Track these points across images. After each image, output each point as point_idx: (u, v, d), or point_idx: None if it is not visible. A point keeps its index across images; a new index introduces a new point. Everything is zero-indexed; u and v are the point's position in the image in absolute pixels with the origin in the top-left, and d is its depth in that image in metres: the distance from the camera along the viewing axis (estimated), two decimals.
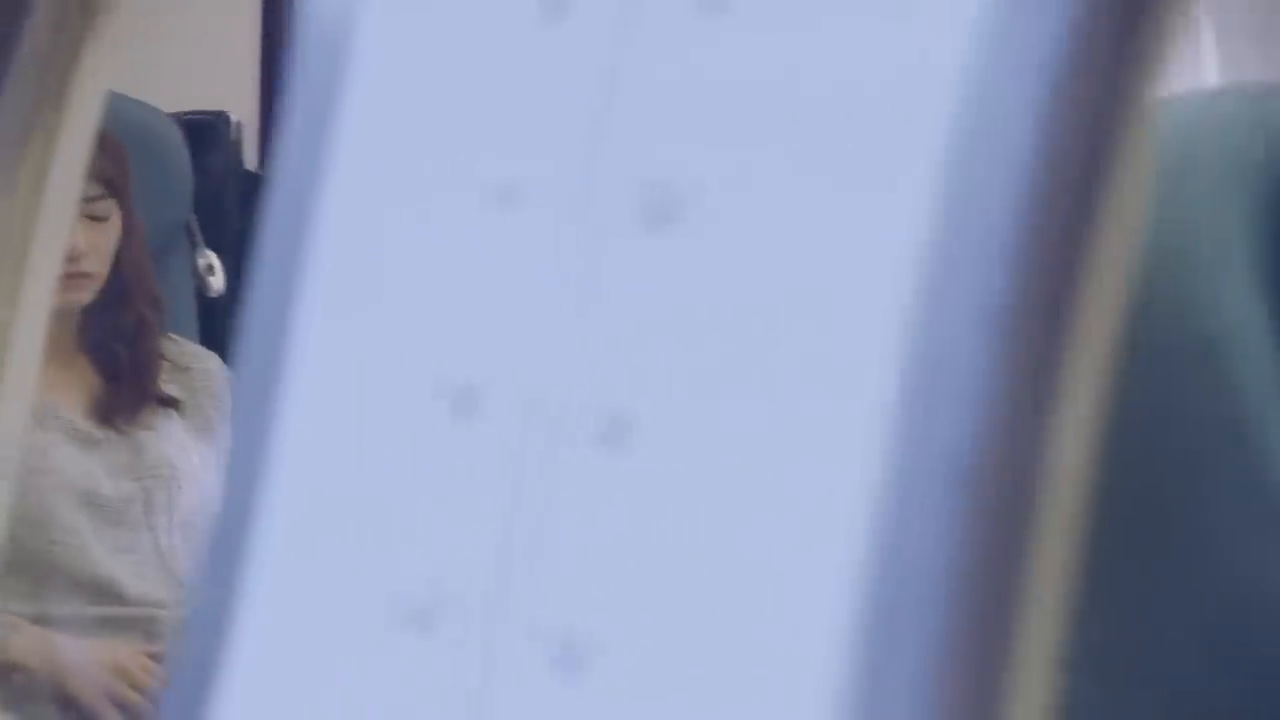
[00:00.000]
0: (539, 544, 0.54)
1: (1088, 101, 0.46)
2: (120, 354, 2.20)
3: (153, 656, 2.02)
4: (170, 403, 2.22)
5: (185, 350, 2.30)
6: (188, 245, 2.60)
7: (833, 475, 0.47)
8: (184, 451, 2.19)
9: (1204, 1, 3.52)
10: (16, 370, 0.74)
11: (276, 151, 0.66)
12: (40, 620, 2.06)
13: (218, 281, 2.57)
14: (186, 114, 2.78)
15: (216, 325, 2.52)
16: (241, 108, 3.03)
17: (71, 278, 2.10)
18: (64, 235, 0.77)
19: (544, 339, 0.56)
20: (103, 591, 2.09)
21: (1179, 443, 0.91)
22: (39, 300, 0.75)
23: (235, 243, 2.63)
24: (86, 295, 2.16)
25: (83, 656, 2.02)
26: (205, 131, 2.83)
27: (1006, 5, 0.47)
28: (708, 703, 0.50)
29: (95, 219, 2.15)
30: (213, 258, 2.58)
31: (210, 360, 2.29)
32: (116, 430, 2.18)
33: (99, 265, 2.17)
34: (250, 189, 2.80)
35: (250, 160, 2.98)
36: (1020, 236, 0.45)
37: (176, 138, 2.62)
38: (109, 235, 2.18)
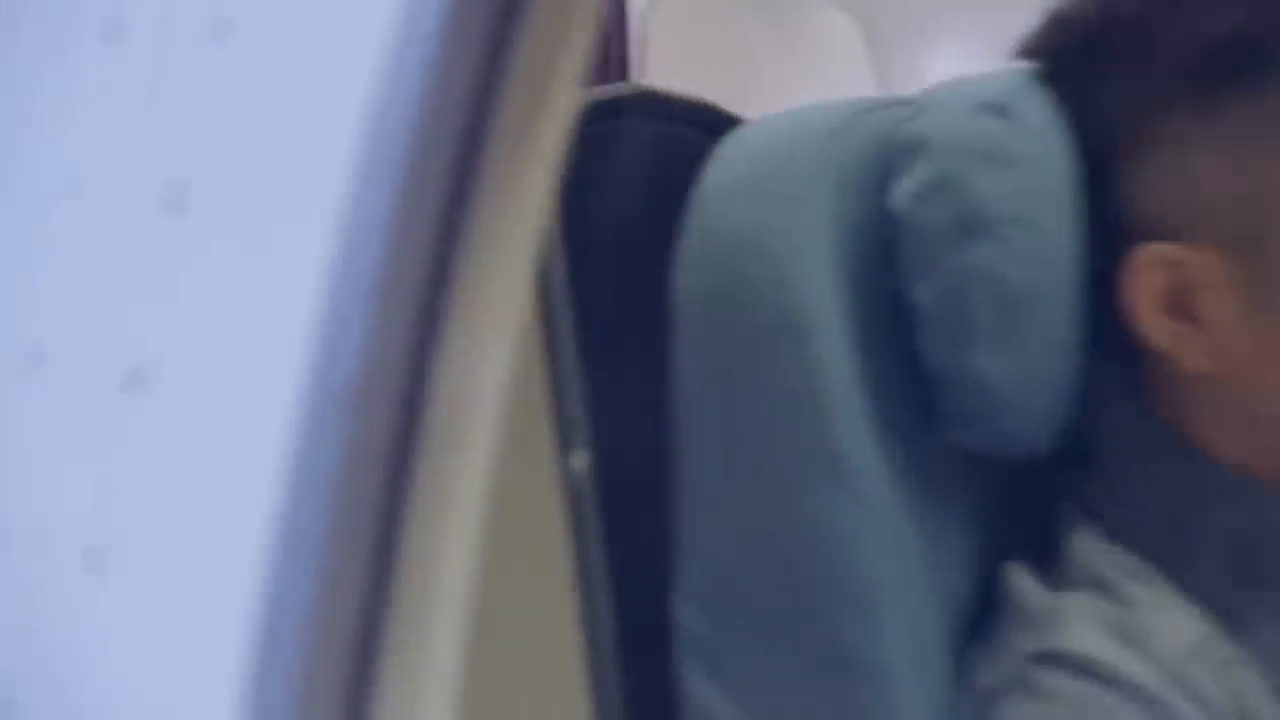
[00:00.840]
0: (76, 472, 0.67)
1: (460, 97, 0.59)
2: None
3: None
4: None
5: None
6: None
7: (266, 405, 0.61)
8: None
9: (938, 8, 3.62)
10: None
11: None
12: None
13: None
14: None
15: None
16: None
17: None
18: None
19: (92, 305, 0.69)
20: None
21: (763, 409, 1.04)
22: None
23: None
24: None
25: None
26: None
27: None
28: (196, 585, 0.63)
29: None
30: None
31: None
32: None
33: None
34: None
35: None
36: (397, 218, 0.59)
37: None
38: None
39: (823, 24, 3.74)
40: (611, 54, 3.61)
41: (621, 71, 3.67)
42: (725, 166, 1.08)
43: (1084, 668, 0.98)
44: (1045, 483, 1.09)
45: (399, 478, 0.59)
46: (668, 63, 3.50)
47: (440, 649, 0.63)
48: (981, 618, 1.06)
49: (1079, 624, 0.99)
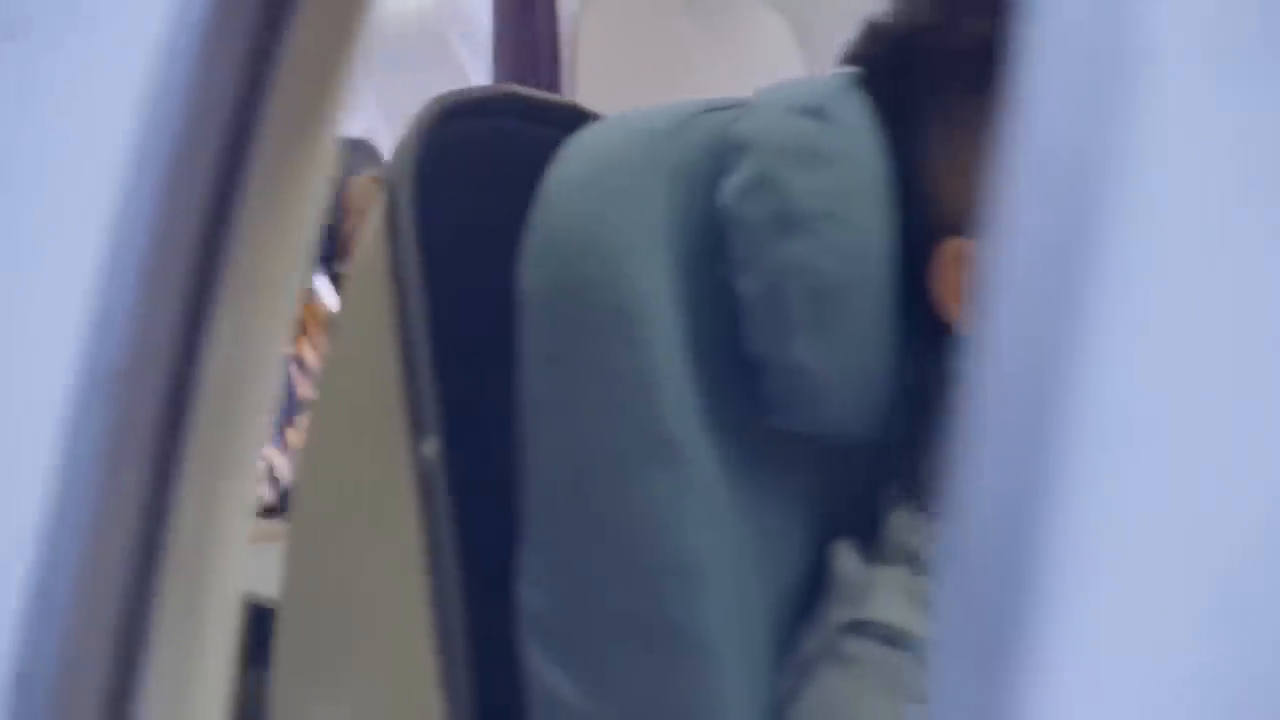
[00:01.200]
0: None
1: (228, 86, 0.63)
2: None
3: None
4: None
5: None
6: None
7: (38, 393, 0.65)
8: None
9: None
10: None
11: None
12: None
13: None
14: None
15: None
16: None
17: None
18: None
19: None
20: None
21: (598, 397, 1.09)
22: None
23: None
24: None
25: None
26: None
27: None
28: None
29: None
30: None
31: None
32: None
33: None
34: None
35: None
36: (164, 206, 0.63)
37: None
38: None
39: (755, 25, 3.78)
40: (543, 55, 3.64)
41: (553, 73, 3.71)
42: (566, 166, 1.12)
43: (888, 635, 1.03)
44: (874, 466, 1.14)
45: (167, 465, 0.63)
46: (599, 64, 3.54)
47: (210, 637, 0.67)
48: (812, 597, 1.11)
49: (887, 594, 1.05)
